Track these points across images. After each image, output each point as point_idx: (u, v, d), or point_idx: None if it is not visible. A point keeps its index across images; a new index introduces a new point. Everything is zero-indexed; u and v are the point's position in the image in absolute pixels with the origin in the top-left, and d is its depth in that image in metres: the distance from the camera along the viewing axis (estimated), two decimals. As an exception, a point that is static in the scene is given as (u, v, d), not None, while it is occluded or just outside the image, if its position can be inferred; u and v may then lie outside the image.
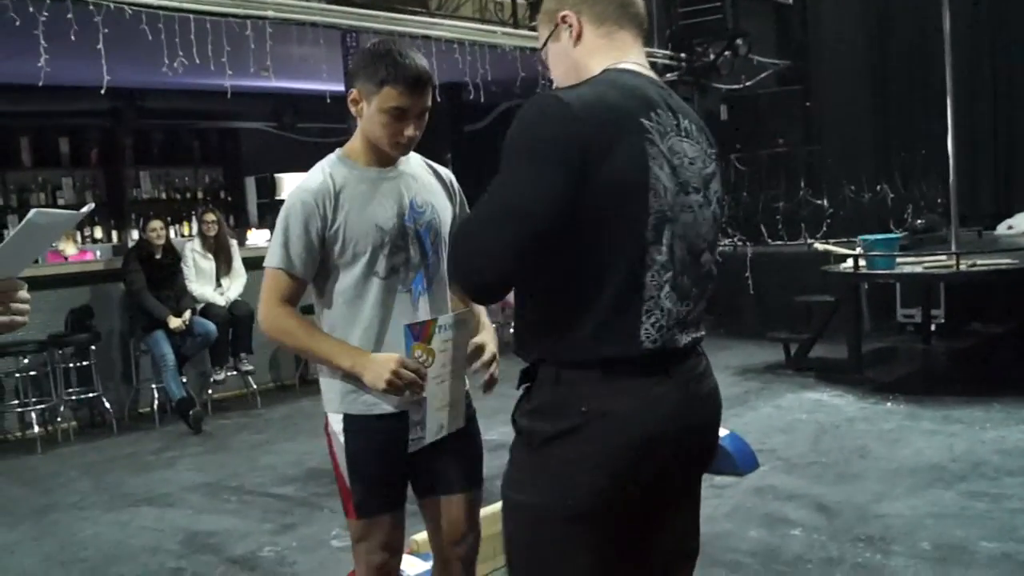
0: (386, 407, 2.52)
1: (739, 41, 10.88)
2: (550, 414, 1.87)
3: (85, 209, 1.96)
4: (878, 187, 10.10)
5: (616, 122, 1.77)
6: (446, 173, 2.78)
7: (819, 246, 8.49)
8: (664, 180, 1.81)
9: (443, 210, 2.66)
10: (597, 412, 1.83)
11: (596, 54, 1.94)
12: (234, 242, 8.40)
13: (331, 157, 2.61)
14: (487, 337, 2.62)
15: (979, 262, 7.23)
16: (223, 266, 8.01)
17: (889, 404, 6.86)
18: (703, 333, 2.01)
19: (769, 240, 10.09)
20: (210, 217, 8.05)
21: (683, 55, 11.30)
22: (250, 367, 8.06)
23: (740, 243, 10.21)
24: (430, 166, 2.75)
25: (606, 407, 1.83)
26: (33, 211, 1.70)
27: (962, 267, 7.08)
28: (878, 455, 5.65)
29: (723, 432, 5.36)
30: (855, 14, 11.53)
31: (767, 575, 3.95)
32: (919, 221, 9.29)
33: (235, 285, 8.04)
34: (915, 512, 4.65)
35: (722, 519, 4.67)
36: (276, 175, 12.11)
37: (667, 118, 1.86)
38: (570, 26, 1.96)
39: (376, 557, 2.64)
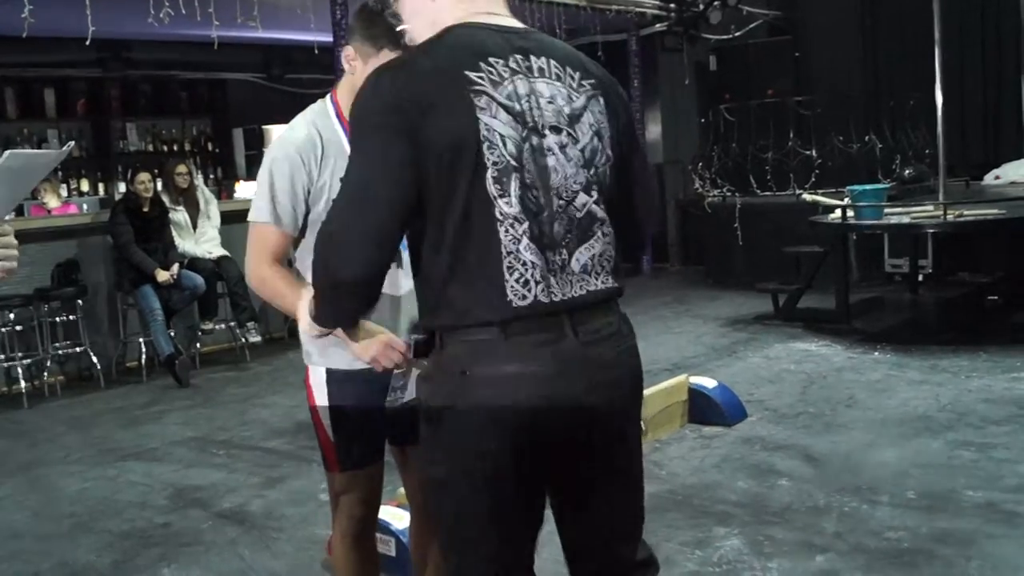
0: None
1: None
2: (436, 383, 1.85)
3: (65, 148, 1.90)
4: (867, 137, 10.06)
5: (435, 81, 1.76)
6: None
7: (807, 197, 8.46)
8: (500, 129, 1.77)
9: None
10: (478, 377, 1.79)
11: (452, 8, 1.91)
12: (199, 182, 8.39)
13: (316, 108, 2.56)
14: None
15: (966, 212, 7.22)
16: (197, 215, 7.97)
17: (876, 354, 6.87)
18: (608, 285, 1.91)
19: (758, 191, 10.06)
20: (183, 169, 7.98)
21: (672, 5, 11.21)
22: (257, 338, 8.00)
23: (729, 194, 10.18)
24: None
25: (486, 370, 1.79)
26: (7, 153, 1.64)
27: (949, 217, 7.07)
28: (865, 405, 5.67)
29: (711, 383, 5.41)
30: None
31: (755, 525, 3.97)
32: (907, 171, 9.25)
33: (210, 231, 8.00)
34: (901, 462, 4.67)
35: (711, 470, 4.69)
36: (264, 127, 12.00)
37: (511, 63, 1.82)
38: None
39: (358, 510, 2.67)
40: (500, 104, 1.78)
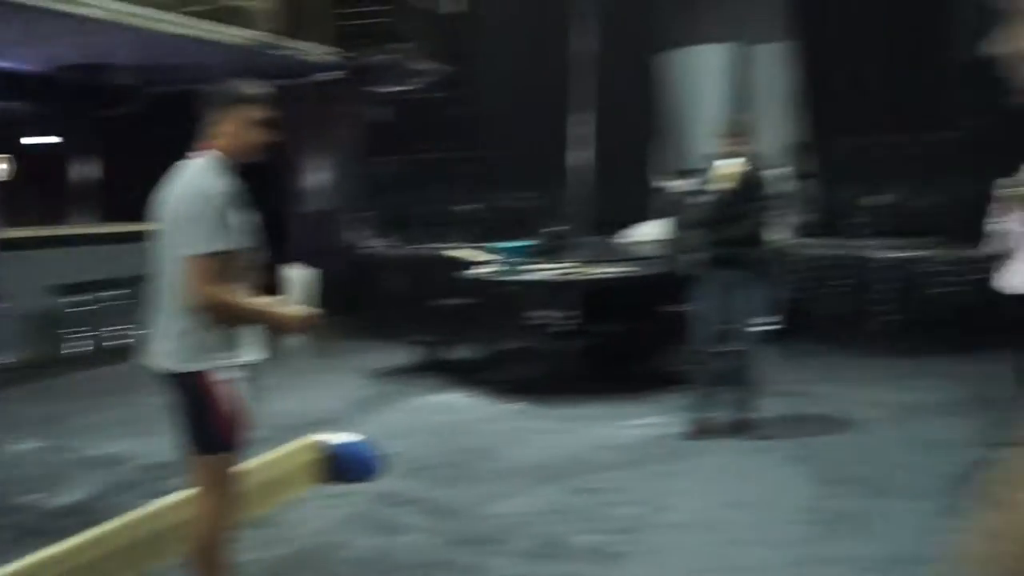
0: (251, 357, 3.44)
1: (404, 45, 11.02)
2: None
3: None
4: (521, 194, 10.58)
5: None
6: None
7: (456, 252, 8.76)
8: None
9: None
10: None
11: None
12: None
13: (206, 162, 3.38)
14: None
15: (599, 269, 7.75)
16: None
17: (514, 404, 7.21)
18: None
19: (418, 242, 10.31)
20: None
21: (348, 56, 11.31)
22: None
23: (387, 244, 10.35)
24: None
25: None
26: None
27: (583, 275, 7.57)
28: (497, 455, 5.94)
29: (346, 439, 5.44)
30: (515, 26, 11.94)
31: (373, 584, 4.05)
32: (554, 228, 9.81)
33: None
34: (522, 510, 4.93)
35: (335, 529, 4.73)
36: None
37: None
38: None
39: (240, 478, 3.50)
40: None
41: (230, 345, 3.37)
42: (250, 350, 3.47)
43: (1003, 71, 1.63)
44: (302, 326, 3.53)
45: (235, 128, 3.41)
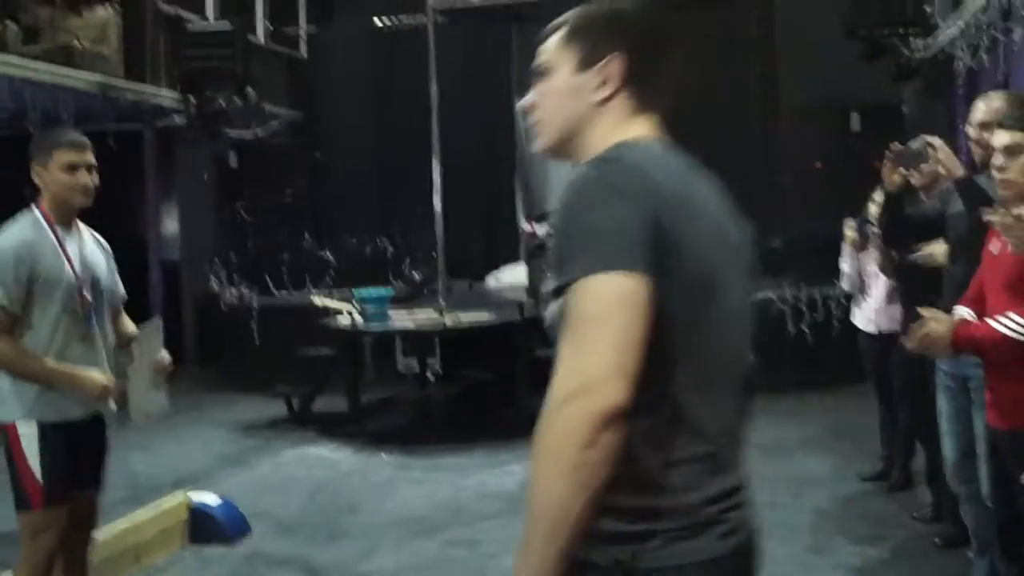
0: (76, 414, 3.34)
1: (249, 89, 10.84)
2: None
3: None
4: (378, 240, 10.51)
5: None
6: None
7: (316, 300, 8.58)
8: None
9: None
10: None
11: None
12: None
13: (29, 217, 3.42)
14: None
15: (462, 317, 7.71)
16: None
17: (383, 455, 7.04)
18: None
19: (275, 291, 10.08)
20: None
21: (193, 99, 11.03)
22: None
23: (247, 293, 10.09)
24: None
25: None
26: None
27: (448, 322, 7.52)
28: (369, 509, 5.80)
29: (214, 499, 5.24)
30: (363, 71, 11.94)
31: (247, 652, 3.89)
32: (416, 273, 9.76)
33: None
34: (397, 566, 4.84)
35: (206, 594, 4.54)
36: None
37: None
38: None
39: (55, 542, 3.32)
40: None
41: (52, 398, 3.31)
42: (88, 404, 3.40)
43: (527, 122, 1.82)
44: (101, 393, 3.38)
45: (55, 175, 3.38)
